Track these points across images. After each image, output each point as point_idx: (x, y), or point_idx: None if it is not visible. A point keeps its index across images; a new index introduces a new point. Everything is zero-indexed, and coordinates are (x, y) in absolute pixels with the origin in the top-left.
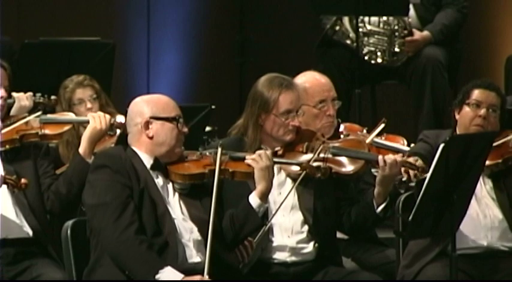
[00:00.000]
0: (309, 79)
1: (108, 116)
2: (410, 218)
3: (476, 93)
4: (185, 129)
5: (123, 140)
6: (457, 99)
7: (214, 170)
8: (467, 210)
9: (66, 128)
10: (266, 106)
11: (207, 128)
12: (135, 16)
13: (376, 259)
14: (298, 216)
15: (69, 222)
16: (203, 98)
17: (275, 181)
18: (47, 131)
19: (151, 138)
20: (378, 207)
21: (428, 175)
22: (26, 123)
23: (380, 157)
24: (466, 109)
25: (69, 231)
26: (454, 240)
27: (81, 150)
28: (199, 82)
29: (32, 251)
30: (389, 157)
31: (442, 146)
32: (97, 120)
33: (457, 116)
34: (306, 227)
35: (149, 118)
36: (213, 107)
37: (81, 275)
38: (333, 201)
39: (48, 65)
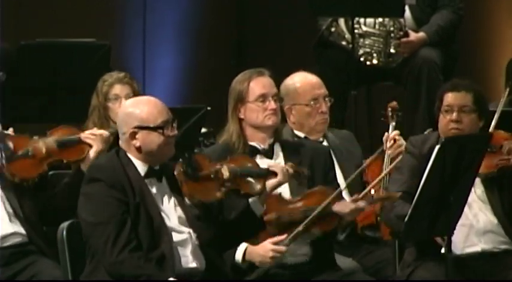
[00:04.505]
0: (299, 79)
1: (105, 133)
2: (406, 219)
3: (446, 98)
4: (174, 133)
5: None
6: (436, 106)
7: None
8: (463, 211)
9: (87, 150)
10: (240, 97)
11: (203, 130)
12: (131, 18)
13: (376, 258)
14: None
15: (65, 224)
16: (199, 99)
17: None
18: (70, 158)
19: (139, 147)
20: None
21: (423, 177)
22: (44, 149)
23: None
24: (441, 116)
25: (64, 233)
26: (450, 241)
27: (83, 167)
28: (195, 84)
29: (29, 250)
30: (346, 205)
31: (437, 147)
32: (97, 142)
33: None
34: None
35: (134, 128)
36: (208, 108)
37: (77, 276)
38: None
39: (45, 66)
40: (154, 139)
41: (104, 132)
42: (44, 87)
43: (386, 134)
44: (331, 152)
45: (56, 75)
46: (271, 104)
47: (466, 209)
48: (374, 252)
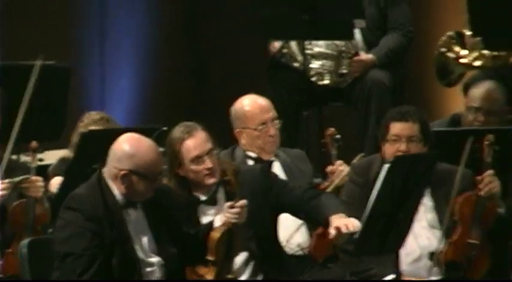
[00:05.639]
0: (249, 103)
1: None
2: (357, 236)
3: (393, 128)
4: (162, 181)
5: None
6: (380, 132)
7: None
8: (410, 229)
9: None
10: (175, 159)
11: (160, 149)
12: (90, 40)
13: (327, 276)
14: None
15: (25, 241)
16: (158, 121)
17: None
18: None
19: (126, 187)
20: None
21: (374, 194)
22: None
23: None
24: (387, 145)
25: (25, 250)
26: (398, 259)
27: None
28: (154, 105)
29: None
30: None
31: (388, 166)
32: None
33: (383, 148)
34: (251, 263)
35: (128, 171)
36: (164, 128)
37: None
38: (271, 224)
39: (3, 88)
40: (144, 187)
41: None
42: (2, 109)
43: (329, 167)
44: (283, 170)
45: (15, 97)
46: (207, 163)
47: (412, 240)
48: (325, 270)
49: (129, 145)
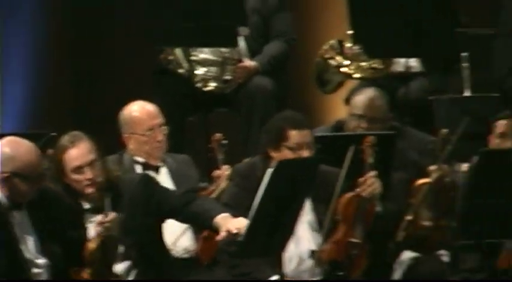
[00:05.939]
0: (137, 108)
1: None
2: (241, 238)
3: (293, 136)
4: (45, 182)
5: None
6: (270, 137)
7: None
8: (294, 230)
9: None
10: (58, 168)
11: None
12: None
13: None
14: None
15: None
16: (48, 125)
17: None
18: None
19: (9, 189)
20: None
21: (259, 197)
22: None
23: None
24: (286, 152)
25: None
26: (281, 260)
27: None
28: (45, 110)
29: None
30: None
31: (272, 170)
32: None
33: (273, 154)
34: (134, 271)
35: (9, 173)
36: (53, 134)
37: None
38: (154, 231)
39: None
40: (26, 188)
41: None
42: None
43: (216, 171)
44: (170, 175)
45: None
46: (87, 174)
47: (294, 244)
48: (209, 273)
49: (8, 148)
